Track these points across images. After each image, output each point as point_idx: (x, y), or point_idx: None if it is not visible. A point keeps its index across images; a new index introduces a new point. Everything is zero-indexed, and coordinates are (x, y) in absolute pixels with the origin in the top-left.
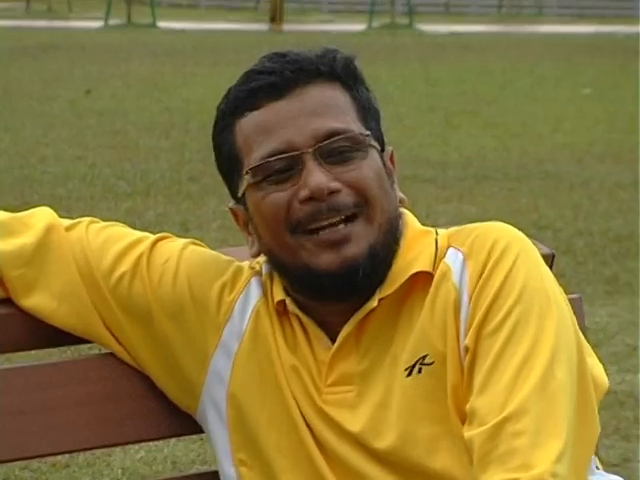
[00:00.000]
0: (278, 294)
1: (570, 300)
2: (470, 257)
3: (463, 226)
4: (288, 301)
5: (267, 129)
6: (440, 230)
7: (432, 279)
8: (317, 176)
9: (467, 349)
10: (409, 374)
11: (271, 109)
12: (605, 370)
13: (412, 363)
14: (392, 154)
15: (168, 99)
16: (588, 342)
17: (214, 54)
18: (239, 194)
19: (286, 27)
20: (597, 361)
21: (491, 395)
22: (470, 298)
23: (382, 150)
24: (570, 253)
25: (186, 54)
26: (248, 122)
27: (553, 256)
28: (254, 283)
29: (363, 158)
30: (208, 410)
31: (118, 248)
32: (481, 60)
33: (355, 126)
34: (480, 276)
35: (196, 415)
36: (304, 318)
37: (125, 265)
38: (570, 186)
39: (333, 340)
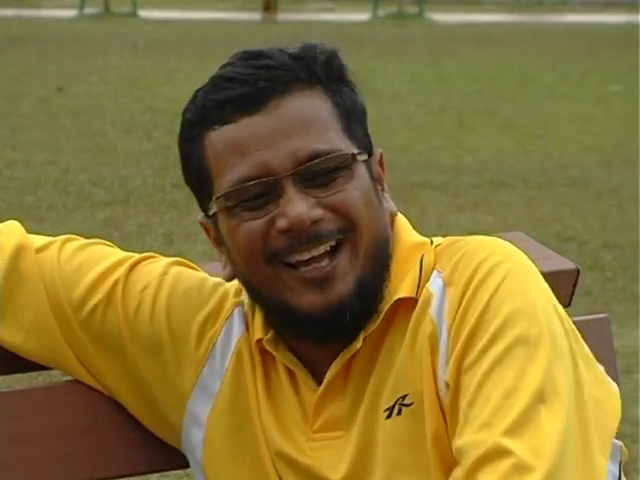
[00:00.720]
0: (258, 331)
1: (596, 321)
2: (450, 284)
3: (458, 238)
4: (266, 340)
5: (240, 149)
6: (436, 239)
7: (414, 305)
8: (297, 205)
9: (448, 386)
10: (389, 416)
11: (244, 125)
12: (636, 400)
13: (391, 404)
14: (381, 157)
15: (150, 97)
16: (615, 367)
17: (201, 47)
18: (209, 213)
19: (281, 16)
20: (612, 390)
21: (469, 433)
22: (449, 331)
23: (370, 155)
24: (597, 268)
25: (170, 47)
26: (218, 137)
27: (578, 271)
28: (237, 315)
29: (349, 177)
30: (188, 452)
31: (93, 275)
32: (498, 54)
33: (340, 142)
34: (460, 303)
35: (181, 448)
36: (285, 359)
37: (99, 294)
38: (597, 194)
39: (319, 380)
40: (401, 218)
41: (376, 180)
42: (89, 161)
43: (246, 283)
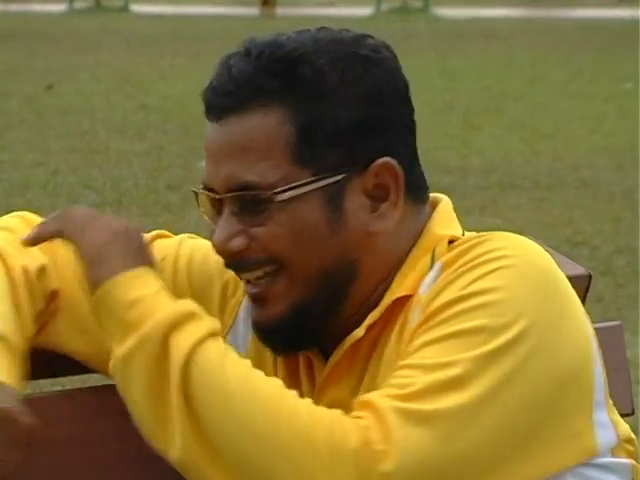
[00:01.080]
0: None
1: (609, 328)
2: (448, 266)
3: (486, 233)
4: None
5: (205, 153)
6: (469, 233)
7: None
8: (220, 232)
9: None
10: None
11: (211, 129)
12: None
13: None
14: (387, 166)
15: (143, 95)
16: (629, 376)
17: (196, 43)
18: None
19: (279, 11)
20: (613, 416)
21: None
22: (422, 309)
23: (363, 168)
24: (609, 274)
25: (164, 43)
26: (207, 129)
27: (589, 277)
28: None
29: (274, 212)
30: None
31: None
32: (506, 50)
33: (276, 174)
34: (442, 282)
35: None
36: None
37: None
38: (609, 196)
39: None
40: (441, 207)
41: (371, 193)
42: (79, 162)
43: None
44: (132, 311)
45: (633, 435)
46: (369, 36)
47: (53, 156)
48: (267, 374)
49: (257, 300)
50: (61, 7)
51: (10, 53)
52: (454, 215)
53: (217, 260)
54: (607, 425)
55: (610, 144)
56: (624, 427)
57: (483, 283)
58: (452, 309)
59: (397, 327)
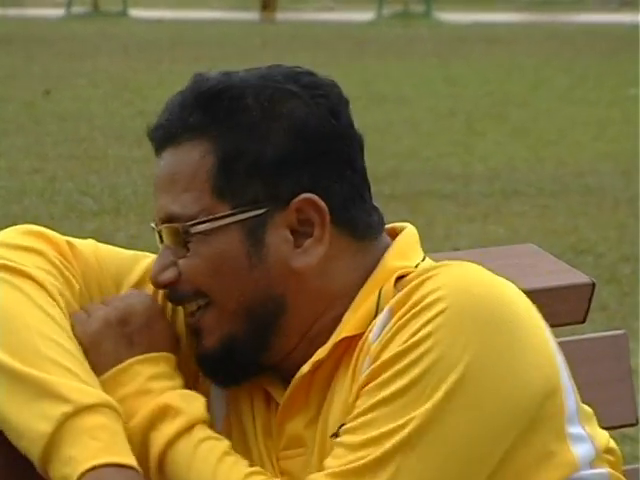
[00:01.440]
0: None
1: (613, 337)
2: (395, 312)
3: (435, 265)
4: None
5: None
6: (424, 263)
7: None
8: (155, 264)
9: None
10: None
11: (155, 164)
12: None
13: (336, 430)
14: (312, 201)
15: (141, 101)
16: (633, 386)
17: (195, 48)
18: None
19: (280, 16)
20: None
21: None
22: (371, 359)
23: (284, 203)
24: (614, 282)
25: (162, 48)
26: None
27: (594, 285)
28: None
29: (197, 244)
30: None
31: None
32: (509, 55)
33: (196, 206)
34: (383, 338)
35: None
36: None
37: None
38: (614, 203)
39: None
40: (401, 237)
41: (294, 228)
42: (77, 169)
43: None
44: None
45: (614, 445)
46: (314, 74)
47: (50, 163)
48: (244, 411)
49: (194, 332)
50: (59, 12)
51: (7, 58)
52: (415, 244)
53: None
54: (583, 438)
55: (614, 150)
56: (603, 438)
57: (419, 336)
58: (392, 368)
59: (350, 368)
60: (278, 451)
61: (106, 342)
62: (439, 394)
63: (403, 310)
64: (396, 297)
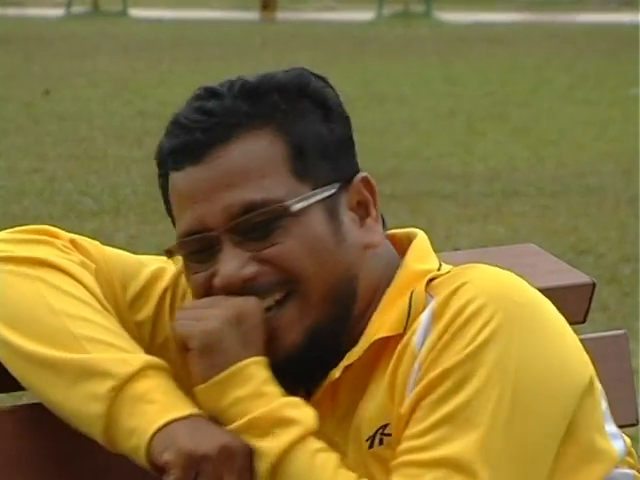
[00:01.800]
0: None
1: (614, 337)
2: (438, 318)
3: (459, 268)
4: None
5: (183, 201)
6: (445, 267)
7: (401, 336)
8: (228, 265)
9: (400, 417)
10: (370, 446)
11: (188, 174)
12: None
13: (372, 433)
14: (366, 180)
15: (141, 101)
16: (633, 386)
17: (195, 48)
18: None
19: (280, 16)
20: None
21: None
22: (420, 366)
23: (346, 183)
24: (615, 282)
25: (162, 48)
26: (172, 183)
27: (594, 285)
28: None
29: (287, 228)
30: None
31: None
32: (510, 55)
33: (282, 188)
34: (435, 346)
35: None
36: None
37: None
38: (615, 203)
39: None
40: (417, 241)
41: (355, 208)
42: (76, 169)
43: None
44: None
45: (631, 447)
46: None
47: (50, 162)
48: None
49: (270, 336)
50: (59, 12)
51: (7, 58)
52: (430, 249)
53: None
54: (617, 435)
55: (615, 150)
56: (626, 438)
57: (474, 346)
58: (451, 379)
59: (386, 371)
60: None
61: (227, 340)
62: (502, 403)
63: (448, 317)
64: (436, 302)
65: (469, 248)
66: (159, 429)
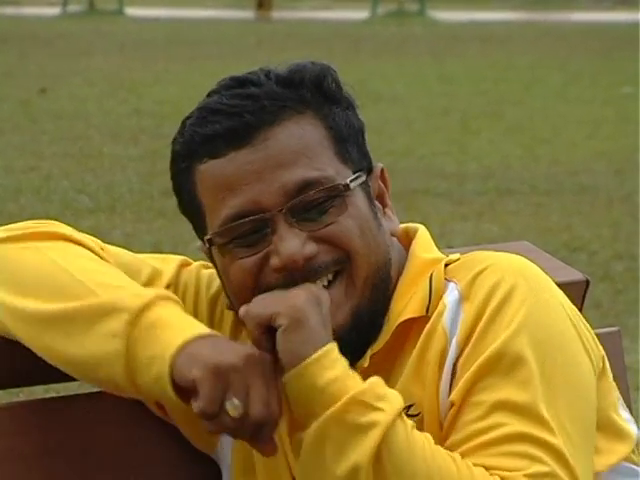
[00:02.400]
0: None
1: (607, 334)
2: (467, 299)
3: (471, 253)
4: None
5: (229, 185)
6: (453, 255)
7: (426, 321)
8: (290, 243)
9: (452, 404)
10: None
11: (232, 160)
12: None
13: None
14: (383, 171)
15: (137, 100)
16: (627, 383)
17: (191, 47)
18: (205, 246)
19: (276, 14)
20: (628, 416)
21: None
22: (459, 348)
23: (369, 172)
24: (608, 279)
25: (158, 47)
26: (207, 172)
27: (587, 283)
28: None
29: (342, 207)
30: (221, 458)
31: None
32: (504, 54)
33: (331, 169)
34: (474, 325)
35: (215, 454)
36: None
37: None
38: (608, 201)
39: None
40: (421, 233)
41: (376, 198)
42: (72, 167)
43: (239, 318)
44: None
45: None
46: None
47: (46, 161)
48: None
49: None
50: (54, 10)
51: (3, 57)
52: (432, 241)
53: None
54: (631, 420)
55: (609, 149)
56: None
57: (516, 323)
58: (503, 362)
59: (419, 344)
60: None
61: (313, 318)
62: (554, 376)
63: (481, 298)
64: (461, 285)
65: (463, 246)
66: (179, 351)
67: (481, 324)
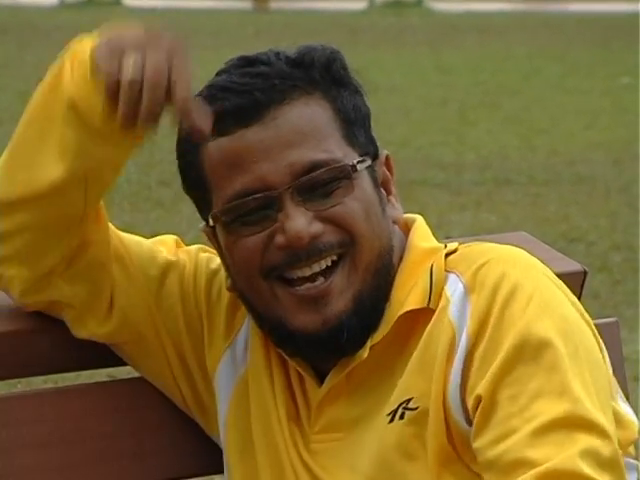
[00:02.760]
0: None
1: (605, 325)
2: (472, 291)
3: (469, 245)
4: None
5: (236, 162)
6: (451, 244)
7: (428, 313)
8: (296, 221)
9: (478, 399)
10: (391, 420)
11: (240, 137)
12: None
13: (395, 407)
14: (387, 159)
15: None
16: (624, 374)
17: (188, 37)
18: (209, 224)
19: (273, 5)
20: (628, 407)
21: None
22: (472, 339)
23: (374, 158)
24: (606, 270)
25: None
26: (215, 149)
27: (585, 273)
28: None
29: (349, 188)
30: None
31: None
32: (502, 44)
33: (339, 151)
34: (487, 315)
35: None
36: (286, 355)
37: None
38: (606, 192)
39: (323, 377)
40: (419, 223)
41: (381, 184)
42: None
43: (242, 298)
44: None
45: None
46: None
47: None
48: (264, 393)
49: (319, 299)
50: (52, 1)
51: (1, 47)
52: (429, 231)
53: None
54: (629, 411)
55: (606, 139)
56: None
57: (527, 319)
58: (524, 356)
59: (423, 337)
60: (311, 434)
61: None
62: (576, 359)
63: (488, 289)
64: (465, 276)
65: (461, 236)
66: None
67: (494, 313)
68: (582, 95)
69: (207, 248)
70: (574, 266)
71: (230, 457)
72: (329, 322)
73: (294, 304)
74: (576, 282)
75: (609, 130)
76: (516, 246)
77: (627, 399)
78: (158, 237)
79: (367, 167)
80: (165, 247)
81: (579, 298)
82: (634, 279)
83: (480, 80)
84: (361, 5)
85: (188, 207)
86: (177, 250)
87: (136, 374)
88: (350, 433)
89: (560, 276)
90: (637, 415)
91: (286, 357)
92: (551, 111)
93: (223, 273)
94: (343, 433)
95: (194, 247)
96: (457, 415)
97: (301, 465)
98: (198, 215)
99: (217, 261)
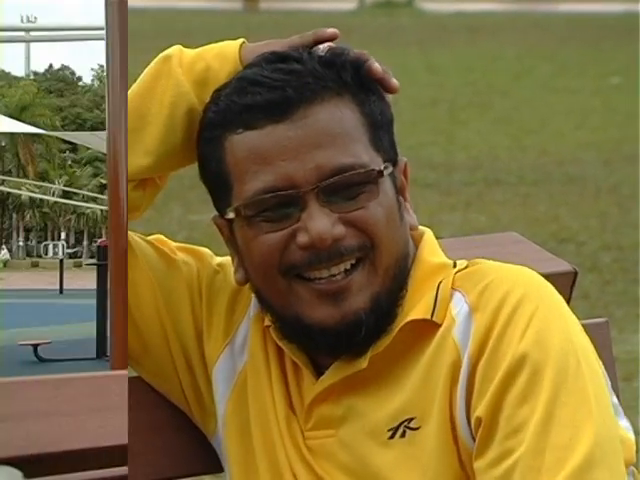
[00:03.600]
0: (267, 318)
1: (595, 325)
2: (476, 310)
3: (477, 262)
4: (272, 329)
5: (263, 158)
6: (460, 262)
7: (432, 327)
8: (320, 222)
9: (478, 421)
10: (391, 436)
11: (269, 133)
12: (636, 409)
13: (396, 424)
14: (405, 166)
15: None
16: (615, 374)
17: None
18: (226, 217)
19: (263, 5)
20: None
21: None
22: (472, 362)
23: (395, 165)
24: (596, 270)
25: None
26: (241, 143)
27: (575, 274)
28: (254, 300)
29: (373, 193)
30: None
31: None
32: (492, 44)
33: (366, 155)
34: (488, 333)
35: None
36: (288, 349)
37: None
38: (596, 192)
39: (320, 372)
40: (428, 236)
41: (399, 191)
42: None
43: (257, 292)
44: None
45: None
46: None
47: None
48: (262, 389)
49: (339, 294)
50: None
51: None
52: (438, 246)
53: (227, 272)
54: (628, 428)
55: (596, 139)
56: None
57: (532, 337)
58: (525, 372)
59: (427, 356)
60: (305, 430)
61: None
62: (578, 376)
63: (492, 307)
64: (469, 296)
65: (451, 236)
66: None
67: (495, 332)
68: (572, 95)
69: (199, 248)
70: (564, 266)
71: (229, 453)
72: (347, 317)
73: (314, 298)
74: (566, 282)
75: (599, 130)
76: (506, 246)
77: (618, 399)
78: (154, 236)
79: (390, 173)
80: (165, 246)
81: (569, 298)
82: (623, 279)
83: (470, 80)
84: (351, 5)
85: (178, 208)
86: (176, 248)
87: (131, 374)
88: (342, 431)
89: (550, 276)
90: (627, 415)
91: (287, 351)
92: (541, 111)
93: (225, 270)
94: (334, 430)
95: (192, 246)
96: (466, 436)
97: (299, 460)
98: (188, 217)
99: (217, 259)
